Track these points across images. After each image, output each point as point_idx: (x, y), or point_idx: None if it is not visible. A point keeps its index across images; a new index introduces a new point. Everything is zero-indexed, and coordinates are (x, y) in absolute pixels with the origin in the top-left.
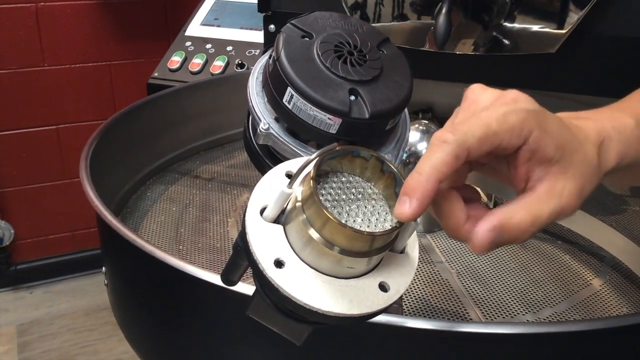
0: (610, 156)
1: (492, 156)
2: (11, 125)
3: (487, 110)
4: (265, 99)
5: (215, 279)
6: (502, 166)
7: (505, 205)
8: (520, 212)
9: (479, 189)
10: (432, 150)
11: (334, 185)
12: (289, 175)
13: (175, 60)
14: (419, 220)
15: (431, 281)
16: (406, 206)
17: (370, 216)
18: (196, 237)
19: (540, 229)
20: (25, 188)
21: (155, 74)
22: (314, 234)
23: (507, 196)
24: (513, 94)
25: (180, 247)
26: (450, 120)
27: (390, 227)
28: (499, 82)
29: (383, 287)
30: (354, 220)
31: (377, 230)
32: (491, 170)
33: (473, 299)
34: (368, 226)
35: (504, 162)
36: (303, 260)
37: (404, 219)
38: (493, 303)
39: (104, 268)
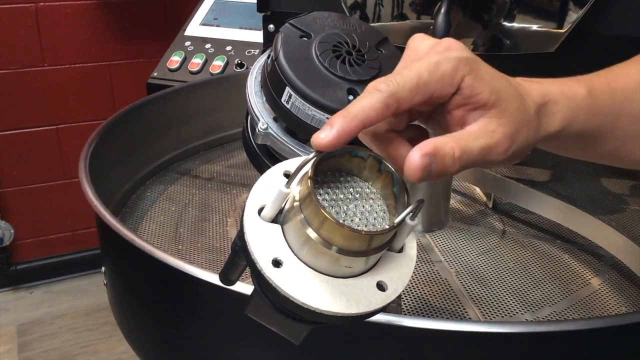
0: (554, 119)
1: (429, 104)
2: (11, 125)
3: (421, 60)
4: (264, 99)
5: (214, 278)
6: (439, 115)
7: (438, 136)
8: (450, 142)
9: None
10: (363, 96)
11: (332, 184)
12: (286, 175)
13: (175, 60)
14: (417, 220)
15: (430, 280)
16: (323, 134)
17: (368, 215)
18: (195, 236)
19: (469, 164)
20: (25, 188)
21: (155, 74)
22: (312, 234)
23: (506, 195)
24: (446, 42)
25: (180, 246)
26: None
27: (388, 227)
28: None
29: (381, 287)
30: (352, 220)
31: (375, 230)
32: (432, 121)
33: (472, 298)
34: (366, 225)
35: (440, 111)
36: (301, 260)
37: (319, 145)
38: (492, 302)
39: (103, 268)
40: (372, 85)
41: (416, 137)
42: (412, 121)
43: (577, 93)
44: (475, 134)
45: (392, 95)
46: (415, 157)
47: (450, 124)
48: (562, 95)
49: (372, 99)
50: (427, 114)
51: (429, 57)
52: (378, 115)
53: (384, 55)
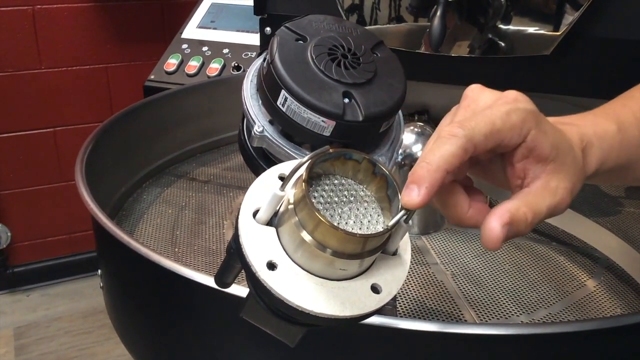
0: (591, 161)
1: (492, 153)
2: (8, 127)
3: (491, 108)
4: (260, 102)
5: (209, 281)
6: (496, 166)
7: (507, 201)
8: (522, 207)
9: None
10: (441, 142)
11: (327, 187)
12: (281, 178)
13: (172, 62)
14: (411, 222)
15: (426, 283)
16: (414, 193)
17: (363, 218)
18: (192, 239)
19: (539, 223)
20: (22, 191)
21: (152, 77)
22: (306, 237)
23: (502, 198)
24: (513, 94)
25: (176, 249)
26: (449, 117)
27: (382, 229)
28: (494, 84)
29: (375, 289)
30: (346, 223)
31: (369, 232)
32: (485, 171)
33: (468, 300)
34: (360, 228)
35: (499, 162)
36: (295, 263)
37: (412, 206)
38: (488, 304)
39: (99, 271)
40: (447, 131)
41: (467, 185)
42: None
43: (607, 131)
44: (541, 194)
45: (470, 140)
46: (496, 227)
47: (509, 175)
48: (596, 136)
49: (450, 145)
50: (479, 165)
51: (499, 107)
52: (458, 161)
53: (379, 59)
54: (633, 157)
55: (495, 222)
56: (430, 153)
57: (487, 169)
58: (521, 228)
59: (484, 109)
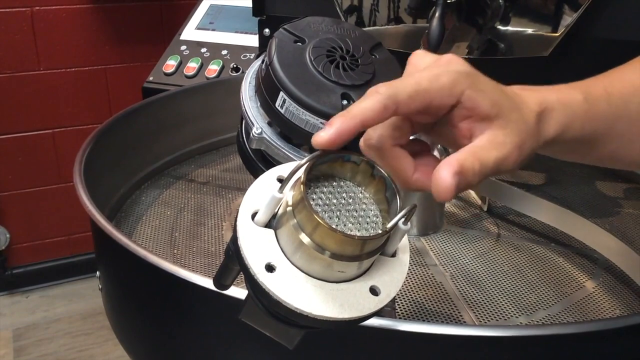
0: (550, 125)
1: (431, 116)
2: (7, 129)
3: (423, 71)
4: (258, 104)
5: (208, 283)
6: (444, 129)
7: (454, 153)
8: (469, 157)
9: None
10: (364, 98)
11: (325, 189)
12: (280, 180)
13: (171, 64)
14: (409, 224)
15: (425, 284)
16: (322, 133)
17: (361, 220)
18: (191, 241)
19: (486, 176)
20: (21, 192)
21: (151, 78)
22: (305, 239)
23: (501, 199)
24: (447, 57)
25: (175, 251)
26: None
27: (380, 232)
28: None
29: (374, 291)
30: (345, 225)
31: (368, 235)
32: (437, 134)
33: (467, 301)
34: (359, 230)
35: (445, 125)
36: (294, 265)
37: (318, 143)
38: (487, 306)
39: (98, 272)
40: (372, 88)
41: (418, 150)
42: (414, 134)
43: (573, 99)
44: (487, 147)
45: (390, 97)
46: (447, 176)
47: (457, 136)
48: (559, 101)
49: (371, 100)
50: (429, 127)
51: (430, 69)
52: (376, 116)
53: (377, 60)
54: (599, 129)
55: (444, 172)
56: (352, 106)
57: (436, 132)
58: (470, 178)
59: (416, 72)
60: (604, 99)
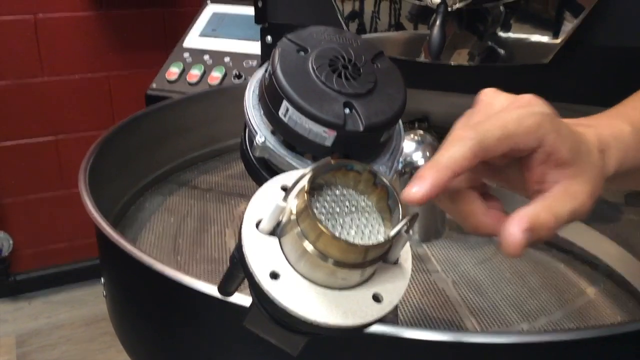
0: (610, 163)
1: (507, 158)
2: (10, 135)
3: (505, 111)
4: (262, 112)
5: (212, 290)
6: (513, 171)
7: (526, 206)
8: (543, 213)
9: None
10: (450, 145)
11: (328, 198)
12: (284, 189)
13: (174, 71)
14: (412, 232)
15: (427, 290)
16: (414, 189)
17: (364, 228)
18: (194, 247)
19: (560, 228)
20: (24, 198)
21: (154, 85)
22: (309, 247)
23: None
24: (528, 97)
25: (179, 257)
26: (462, 121)
27: (383, 239)
28: None
29: (377, 298)
30: (348, 233)
31: (371, 243)
32: (502, 176)
33: (469, 308)
34: (361, 238)
35: (516, 167)
36: (298, 272)
37: (410, 201)
38: (489, 312)
39: (102, 279)
40: (457, 133)
41: (482, 192)
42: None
43: (623, 131)
44: (562, 199)
45: (480, 143)
46: (516, 233)
47: (527, 180)
48: (612, 136)
49: (460, 147)
50: (497, 170)
51: (513, 111)
52: (467, 164)
53: (379, 69)
54: None
55: (514, 228)
56: (438, 154)
57: (504, 174)
58: (542, 234)
59: (498, 113)
60: None
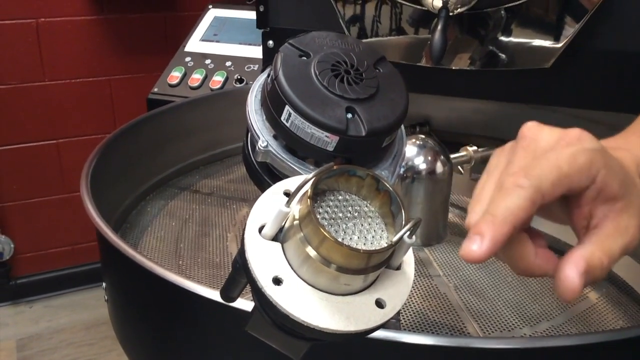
0: None
1: (560, 199)
2: (11, 139)
3: (555, 151)
4: (264, 117)
5: (214, 295)
6: (558, 207)
7: (579, 247)
8: (597, 252)
9: None
10: (506, 194)
11: (331, 203)
12: (287, 194)
13: (175, 75)
14: (414, 238)
15: (429, 295)
16: (475, 246)
17: (367, 234)
18: (196, 252)
19: (613, 265)
20: (25, 202)
21: (155, 89)
22: (311, 252)
23: None
24: (577, 132)
25: (180, 262)
26: (504, 157)
27: (386, 245)
28: (495, 96)
29: (379, 304)
30: (351, 238)
31: (373, 248)
32: (546, 212)
33: (471, 312)
34: (364, 244)
35: (561, 203)
36: (301, 278)
37: (472, 260)
38: (491, 317)
39: (104, 284)
40: (511, 181)
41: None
42: None
43: None
44: (613, 235)
45: (537, 191)
46: (573, 276)
47: (575, 217)
48: None
49: (517, 198)
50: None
51: (564, 149)
52: (526, 214)
53: (381, 74)
54: None
55: (571, 271)
56: (494, 205)
57: (548, 209)
58: (597, 274)
59: (546, 152)
60: None
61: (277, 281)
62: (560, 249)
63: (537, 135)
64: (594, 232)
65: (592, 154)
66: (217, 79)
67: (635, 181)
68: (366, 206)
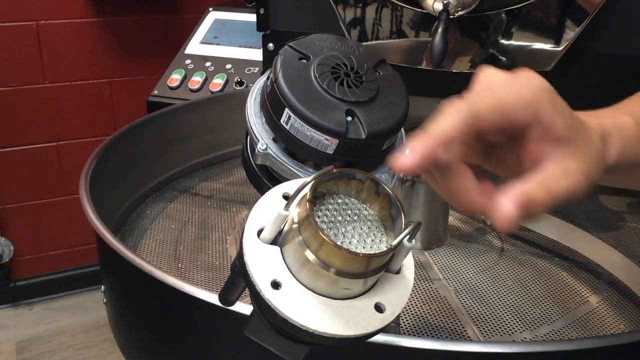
0: (611, 152)
1: (501, 135)
2: (11, 141)
3: (500, 86)
4: (264, 120)
5: (213, 298)
6: (509, 154)
7: (520, 182)
8: (538, 190)
9: None
10: (441, 115)
11: (330, 207)
12: (286, 197)
13: (175, 78)
14: (414, 242)
15: (429, 298)
16: (405, 158)
17: (366, 237)
18: (195, 254)
19: (554, 206)
20: (25, 204)
21: (155, 92)
22: (310, 256)
23: None
24: (525, 73)
25: (179, 264)
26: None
27: (385, 249)
28: None
29: (379, 308)
30: (350, 242)
31: (373, 252)
32: (499, 160)
33: (471, 316)
34: (364, 247)
35: (512, 149)
36: (299, 282)
37: (399, 170)
38: (491, 320)
39: (103, 287)
40: (450, 105)
41: (476, 173)
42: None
43: (626, 124)
44: (557, 176)
45: (472, 113)
46: (510, 208)
47: (522, 158)
48: (615, 126)
49: (450, 117)
50: (489, 150)
51: (510, 84)
52: (457, 134)
53: (381, 77)
54: None
55: (508, 202)
56: (430, 125)
57: (498, 155)
58: (536, 209)
59: (494, 87)
60: None
61: (275, 285)
62: (559, 253)
63: (490, 77)
64: (539, 171)
65: (537, 90)
66: (217, 82)
67: (590, 134)
68: (366, 209)
